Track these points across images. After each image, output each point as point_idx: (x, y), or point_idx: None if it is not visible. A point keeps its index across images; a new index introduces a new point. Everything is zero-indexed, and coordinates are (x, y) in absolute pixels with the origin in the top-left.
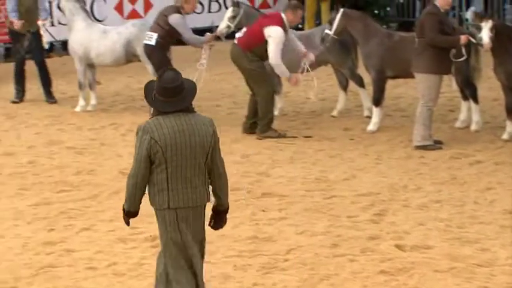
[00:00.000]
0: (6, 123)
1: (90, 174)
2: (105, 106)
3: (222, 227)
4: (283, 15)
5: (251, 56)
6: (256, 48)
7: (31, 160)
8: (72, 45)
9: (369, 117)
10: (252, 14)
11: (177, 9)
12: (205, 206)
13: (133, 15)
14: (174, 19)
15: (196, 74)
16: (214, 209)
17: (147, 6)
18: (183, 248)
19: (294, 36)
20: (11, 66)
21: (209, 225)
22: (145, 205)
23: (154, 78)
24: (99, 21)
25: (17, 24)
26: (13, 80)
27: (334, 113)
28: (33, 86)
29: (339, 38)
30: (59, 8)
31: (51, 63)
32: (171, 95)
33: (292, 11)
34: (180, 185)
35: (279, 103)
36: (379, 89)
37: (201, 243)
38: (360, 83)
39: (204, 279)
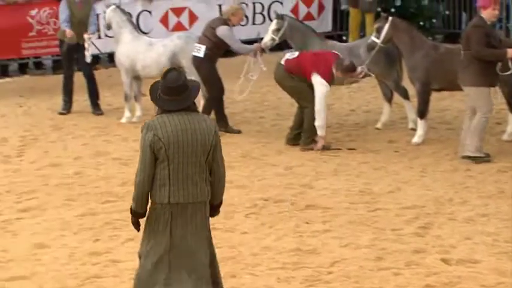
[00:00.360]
0: (53, 134)
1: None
2: (150, 117)
3: (214, 216)
4: (334, 70)
5: (294, 76)
6: (300, 77)
7: (78, 171)
8: (119, 57)
9: (414, 129)
10: (296, 27)
11: (224, 21)
12: (206, 203)
13: (179, 27)
14: (221, 31)
15: (241, 84)
16: (209, 203)
17: (192, 18)
18: (168, 249)
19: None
20: (58, 78)
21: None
22: None
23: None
24: (144, 33)
25: (69, 33)
26: (61, 91)
27: (379, 125)
28: (80, 98)
29: (385, 46)
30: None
31: (97, 75)
32: (174, 93)
33: (342, 73)
34: (181, 181)
35: None
36: (424, 101)
37: (208, 239)
38: (405, 95)
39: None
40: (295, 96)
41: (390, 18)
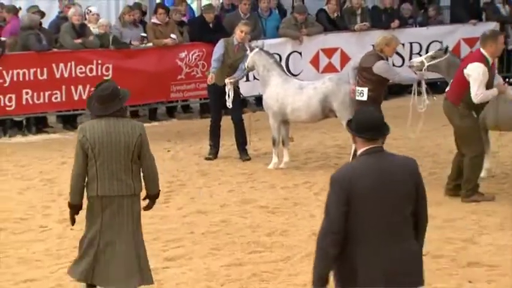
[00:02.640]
0: (199, 180)
1: (283, 235)
2: (298, 164)
3: (150, 208)
4: (482, 50)
5: (462, 108)
6: (465, 97)
7: (224, 219)
8: (267, 101)
9: None
10: (456, 64)
11: (378, 56)
12: (133, 197)
13: (329, 69)
14: (378, 67)
15: (411, 122)
16: (146, 195)
17: (344, 59)
18: (100, 235)
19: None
20: (205, 122)
21: (143, 208)
22: None
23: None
24: (294, 75)
25: (209, 79)
26: (208, 136)
27: None
28: (226, 143)
29: None
30: None
31: (244, 119)
32: (102, 101)
33: (491, 41)
34: (108, 176)
35: (486, 163)
36: None
37: (133, 232)
38: None
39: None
40: (459, 138)
41: None
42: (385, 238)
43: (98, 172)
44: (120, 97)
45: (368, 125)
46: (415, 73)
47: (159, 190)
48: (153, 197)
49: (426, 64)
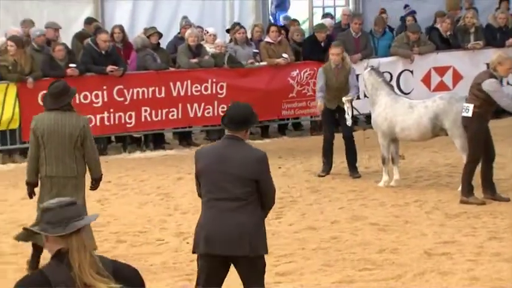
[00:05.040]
0: (310, 196)
1: (394, 253)
2: (409, 182)
3: (95, 188)
4: None
5: None
6: None
7: (334, 235)
8: (376, 120)
9: None
10: None
11: (491, 74)
12: (76, 178)
13: (441, 87)
14: (487, 85)
15: None
16: (91, 178)
17: (456, 77)
18: None
19: None
20: (316, 139)
21: (89, 188)
22: None
23: (462, 153)
24: (405, 93)
25: (319, 108)
26: (319, 153)
27: None
28: (336, 160)
29: None
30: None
31: (355, 136)
32: (53, 96)
33: None
34: (54, 160)
35: None
36: None
37: None
38: None
39: None
40: None
41: None
42: (219, 208)
43: (46, 156)
44: (69, 93)
45: (231, 118)
46: None
47: (101, 174)
48: (94, 180)
49: None
